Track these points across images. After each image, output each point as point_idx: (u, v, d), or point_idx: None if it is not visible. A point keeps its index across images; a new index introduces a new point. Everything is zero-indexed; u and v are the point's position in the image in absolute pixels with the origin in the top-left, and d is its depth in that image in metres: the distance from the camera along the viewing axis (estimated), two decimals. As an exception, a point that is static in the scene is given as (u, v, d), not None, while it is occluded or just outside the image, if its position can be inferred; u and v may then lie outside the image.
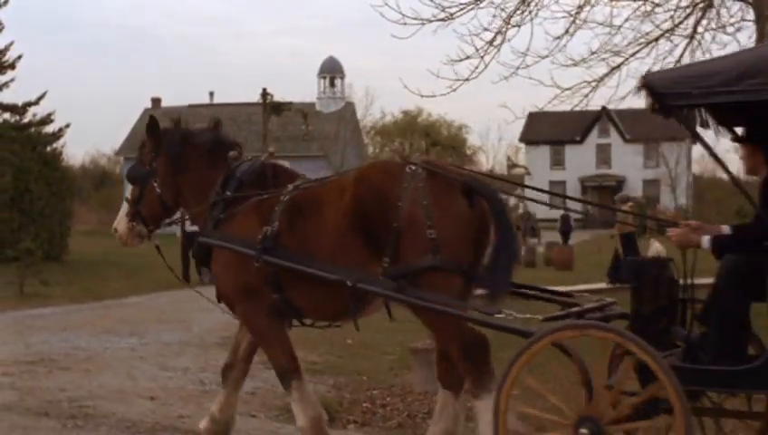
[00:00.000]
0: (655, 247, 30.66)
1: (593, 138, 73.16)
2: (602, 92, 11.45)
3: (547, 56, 10.65)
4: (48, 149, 27.73)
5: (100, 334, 12.84)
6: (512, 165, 61.85)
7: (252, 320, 6.09)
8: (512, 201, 35.92)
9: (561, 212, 38.26)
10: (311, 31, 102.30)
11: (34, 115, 29.76)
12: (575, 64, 10.66)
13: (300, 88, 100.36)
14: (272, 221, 5.83)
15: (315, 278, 5.62)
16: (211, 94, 57.36)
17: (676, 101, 4.81)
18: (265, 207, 5.95)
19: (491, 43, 10.22)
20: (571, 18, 11.09)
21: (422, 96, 10.42)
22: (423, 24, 10.31)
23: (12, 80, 29.18)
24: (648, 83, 4.83)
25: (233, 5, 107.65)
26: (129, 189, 6.73)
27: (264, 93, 29.18)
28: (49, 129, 29.83)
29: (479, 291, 5.56)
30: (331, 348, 11.80)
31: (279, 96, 36.91)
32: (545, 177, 68.88)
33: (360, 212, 5.52)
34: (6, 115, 29.30)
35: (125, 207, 6.65)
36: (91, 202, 55.79)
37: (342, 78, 54.03)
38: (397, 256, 5.42)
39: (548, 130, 73.57)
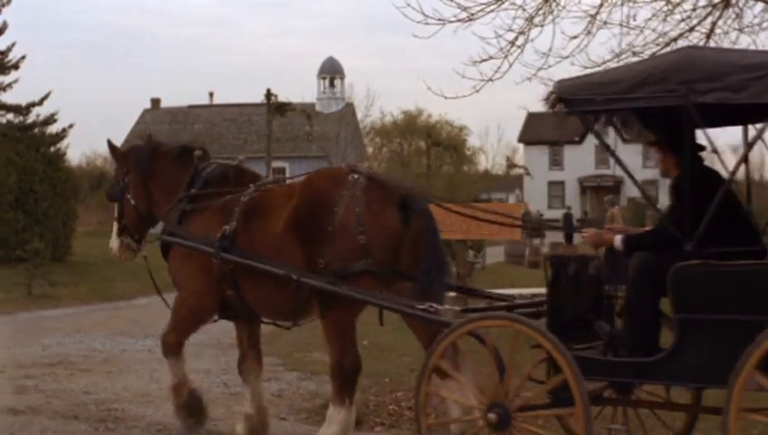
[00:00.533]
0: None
1: (592, 138, 72.96)
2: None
3: (568, 57, 10.58)
4: (52, 149, 27.63)
5: (115, 336, 12.80)
6: (511, 165, 61.77)
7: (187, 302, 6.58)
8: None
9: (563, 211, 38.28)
10: (309, 32, 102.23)
11: (38, 116, 29.69)
12: (598, 66, 10.59)
13: (299, 89, 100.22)
14: (231, 221, 6.27)
15: (266, 275, 6.05)
16: (210, 95, 57.33)
17: (581, 107, 5.15)
18: (227, 208, 6.38)
19: (513, 43, 10.14)
20: (592, 18, 11.02)
21: (445, 97, 10.36)
22: (444, 24, 10.25)
23: (16, 80, 29.12)
24: (558, 90, 5.20)
25: (231, 6, 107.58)
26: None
27: (268, 94, 29.06)
28: (52, 129, 29.74)
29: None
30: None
31: (279, 97, 36.91)
32: (544, 177, 68.98)
33: (301, 215, 5.98)
34: (10, 116, 29.20)
35: (115, 227, 7.20)
36: (88, 203, 55.66)
37: (342, 78, 53.94)
38: (331, 259, 5.84)
39: (547, 131, 73.54)
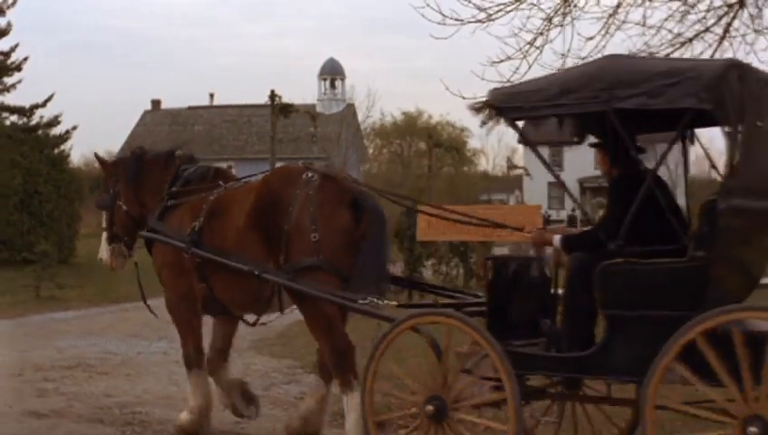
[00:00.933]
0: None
1: (592, 139, 73.13)
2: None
3: (585, 58, 10.52)
4: (55, 151, 27.57)
5: (128, 338, 12.73)
6: (511, 166, 61.77)
7: (174, 307, 7.00)
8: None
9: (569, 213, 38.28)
10: (308, 33, 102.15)
11: (42, 117, 29.62)
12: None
13: (299, 90, 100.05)
14: (199, 217, 6.68)
15: (230, 270, 6.39)
16: (211, 96, 57.22)
17: (511, 114, 5.49)
18: (198, 205, 6.79)
19: (531, 43, 10.10)
20: (609, 19, 10.97)
21: (464, 98, 10.28)
22: (462, 24, 10.20)
23: (19, 81, 29.05)
24: (490, 99, 5.55)
25: (229, 8, 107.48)
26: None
27: (273, 95, 29.06)
28: (55, 131, 29.68)
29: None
30: (363, 351, 11.72)
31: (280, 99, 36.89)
32: (544, 178, 68.76)
33: (259, 213, 6.32)
34: (14, 117, 29.13)
35: (104, 236, 7.55)
36: (88, 204, 55.63)
37: (343, 80, 53.94)
38: (288, 255, 6.16)
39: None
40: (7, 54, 28.95)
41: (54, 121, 29.53)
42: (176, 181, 7.16)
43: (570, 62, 10.56)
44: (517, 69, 10.24)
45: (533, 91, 5.46)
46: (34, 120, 29.71)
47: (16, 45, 29.13)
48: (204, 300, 6.83)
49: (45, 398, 8.38)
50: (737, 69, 4.99)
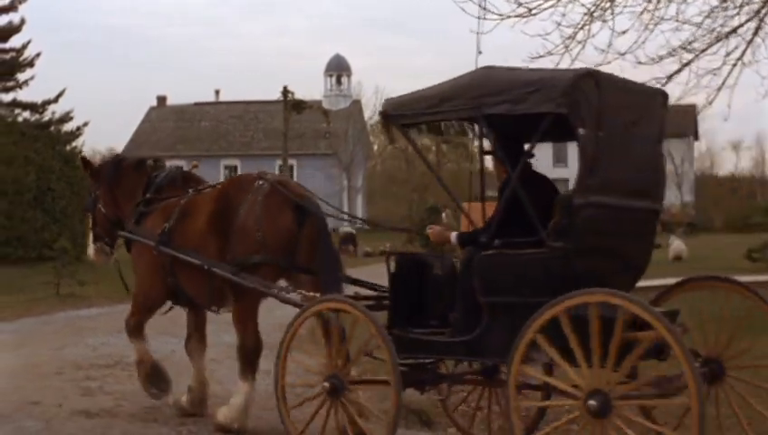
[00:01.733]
0: (676, 245, 30.74)
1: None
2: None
3: (625, 53, 10.48)
4: (67, 147, 27.47)
5: (157, 336, 12.49)
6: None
7: (139, 294, 7.83)
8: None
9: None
10: (310, 31, 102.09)
11: (53, 114, 29.50)
12: (655, 62, 10.51)
13: (303, 87, 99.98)
14: (170, 220, 7.41)
15: (191, 265, 7.16)
16: (217, 93, 57.05)
17: (398, 121, 6.08)
18: (168, 209, 7.54)
19: (572, 37, 10.05)
20: (641, 15, 10.91)
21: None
22: (502, 18, 10.15)
23: (32, 78, 28.93)
24: (384, 107, 6.22)
25: (230, 7, 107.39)
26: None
27: (285, 91, 29.00)
28: (66, 127, 29.56)
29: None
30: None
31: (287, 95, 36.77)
32: (548, 174, 68.56)
33: (215, 216, 7.12)
34: (26, 114, 29.04)
35: (90, 234, 8.30)
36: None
37: (349, 76, 53.86)
38: (235, 252, 6.93)
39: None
40: (19, 51, 28.83)
41: (66, 117, 29.42)
42: (149, 187, 7.88)
43: (610, 58, 10.54)
44: (558, 64, 10.21)
45: (418, 100, 6.03)
46: (46, 116, 29.58)
47: (28, 42, 29.07)
48: (174, 293, 7.59)
49: (92, 397, 8.29)
50: (593, 77, 5.47)
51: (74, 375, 9.35)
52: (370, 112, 52.74)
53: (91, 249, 8.31)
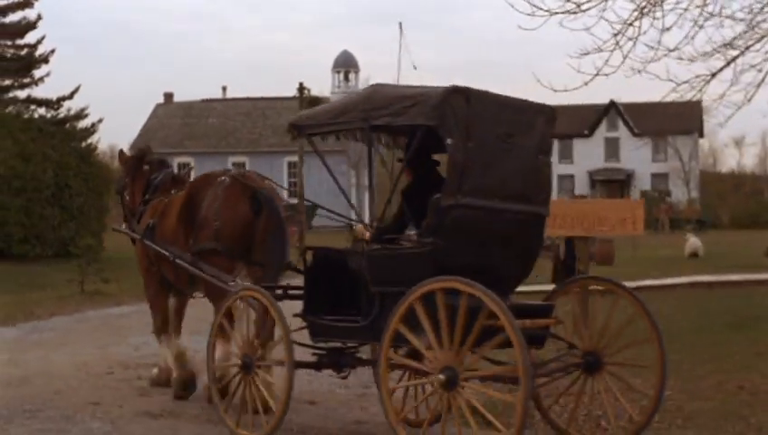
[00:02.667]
0: (692, 241, 30.67)
1: (602, 131, 73.00)
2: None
3: (674, 49, 10.39)
4: (83, 144, 27.36)
5: (192, 335, 12.51)
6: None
7: (146, 287, 8.85)
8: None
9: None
10: (305, 27, 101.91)
11: (69, 110, 29.38)
12: (702, 57, 10.41)
13: (310, 83, 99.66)
14: (155, 217, 8.42)
15: (165, 257, 8.10)
16: (224, 89, 56.90)
17: (304, 131, 6.88)
18: (156, 207, 8.54)
19: (621, 33, 9.95)
20: (685, 12, 10.80)
21: (555, 90, 10.18)
22: (550, 15, 10.06)
23: (47, 74, 28.80)
24: (293, 120, 7.08)
25: (227, 2, 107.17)
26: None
27: (301, 88, 28.84)
28: (81, 123, 29.44)
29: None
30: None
31: (289, 91, 36.83)
32: (553, 171, 68.33)
33: (184, 210, 7.99)
34: (41, 110, 28.91)
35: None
36: (116, 198, 55.46)
37: (357, 72, 53.74)
38: (195, 241, 7.79)
39: (556, 124, 73.36)
40: (33, 47, 28.69)
41: (82, 114, 29.31)
42: (148, 189, 8.87)
43: (659, 55, 10.45)
44: (607, 61, 10.13)
45: (321, 113, 6.95)
46: (61, 113, 29.47)
47: (43, 37, 28.93)
48: (160, 281, 8.50)
49: (149, 397, 8.22)
50: (462, 93, 6.06)
51: (125, 375, 9.28)
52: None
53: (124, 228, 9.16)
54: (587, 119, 71.84)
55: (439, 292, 5.70)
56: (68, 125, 28.27)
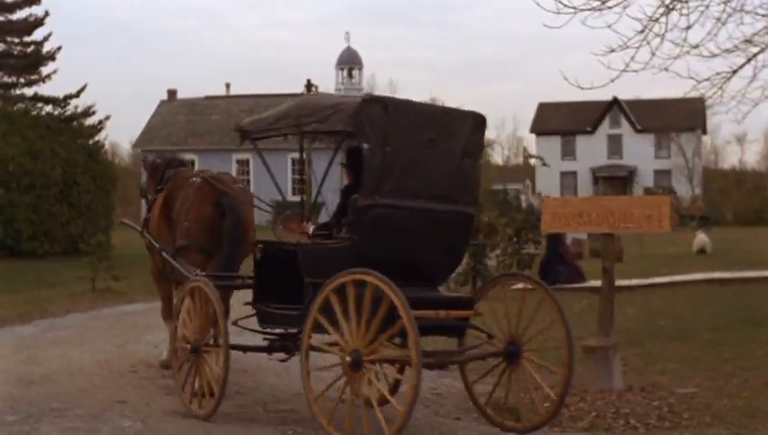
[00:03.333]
0: (700, 238, 30.61)
1: (604, 128, 72.95)
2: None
3: (697, 46, 10.36)
4: (90, 141, 27.31)
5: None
6: (528, 156, 61.59)
7: (153, 275, 9.85)
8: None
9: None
10: (303, 24, 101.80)
11: (76, 107, 29.33)
12: (724, 54, 10.39)
13: (314, 80, 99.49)
14: (148, 212, 9.65)
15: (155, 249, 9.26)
16: (227, 86, 56.82)
17: (249, 136, 7.64)
18: (152, 203, 9.62)
19: (647, 29, 9.91)
20: (706, 9, 10.77)
21: (582, 88, 10.16)
22: (576, 12, 10.02)
23: (54, 71, 28.74)
24: (241, 125, 7.80)
25: (236, 3, 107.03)
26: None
27: (309, 85, 28.80)
28: (87, 121, 29.37)
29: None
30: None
31: (290, 88, 36.79)
32: (556, 167, 68.70)
33: (163, 207, 9.08)
34: (48, 107, 28.83)
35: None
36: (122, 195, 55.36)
37: (360, 69, 53.69)
38: (173, 237, 8.81)
39: (558, 121, 73.33)
40: (40, 44, 28.62)
41: (89, 111, 29.24)
42: (159, 183, 9.68)
43: (683, 51, 10.43)
44: (633, 57, 10.08)
45: (263, 119, 7.60)
46: (68, 110, 29.39)
47: (49, 35, 28.86)
48: (160, 270, 9.44)
49: (176, 396, 8.14)
50: (379, 102, 6.74)
51: (148, 373, 9.23)
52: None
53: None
54: (589, 115, 71.76)
55: (350, 283, 6.28)
56: (75, 122, 28.19)
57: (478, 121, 7.24)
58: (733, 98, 11.59)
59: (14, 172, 22.90)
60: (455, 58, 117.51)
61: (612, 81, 10.03)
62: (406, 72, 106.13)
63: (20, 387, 8.38)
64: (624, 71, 9.86)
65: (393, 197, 6.63)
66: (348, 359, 6.31)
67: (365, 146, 6.57)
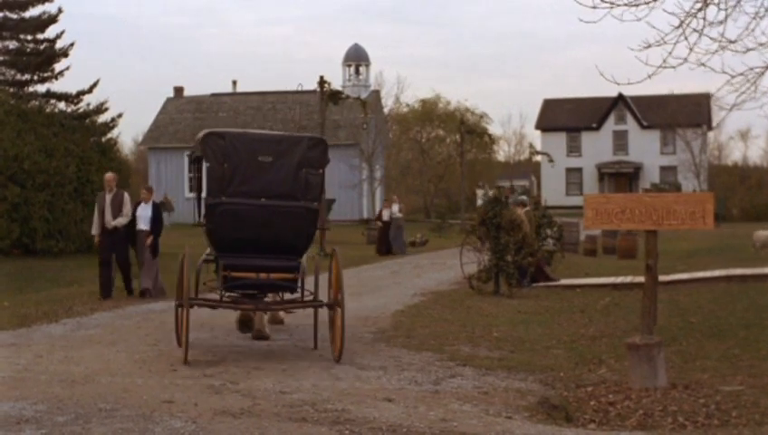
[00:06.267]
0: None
1: (610, 124, 72.87)
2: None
3: (735, 41, 10.27)
4: (103, 139, 27.20)
5: (237, 331, 12.36)
6: (534, 152, 61.48)
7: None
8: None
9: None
10: (301, 22, 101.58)
11: (88, 105, 29.21)
12: (761, 48, 10.30)
13: (316, 78, 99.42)
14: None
15: None
16: (234, 83, 56.69)
17: (199, 149, 10.29)
18: None
19: (685, 23, 9.83)
20: (736, 7, 10.67)
21: (618, 84, 10.09)
22: (612, 7, 9.95)
23: (67, 68, 28.63)
24: (203, 134, 10.43)
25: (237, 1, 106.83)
26: None
27: (322, 82, 28.67)
28: (100, 118, 29.26)
29: None
30: (495, 343, 11.49)
31: (295, 84, 36.56)
32: (562, 164, 68.62)
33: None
34: (61, 105, 28.75)
35: None
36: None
37: (368, 66, 53.55)
38: None
39: (564, 118, 73.26)
40: (53, 41, 28.52)
41: (102, 108, 29.14)
42: None
43: (713, 46, 10.35)
44: (670, 53, 10.01)
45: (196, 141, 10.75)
46: (81, 107, 29.28)
47: (62, 32, 28.76)
48: None
49: (222, 395, 8.07)
50: (218, 135, 10.16)
51: (190, 372, 9.13)
52: (393, 102, 52.58)
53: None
54: (595, 112, 71.72)
55: (188, 254, 9.87)
56: (88, 120, 28.08)
57: (314, 142, 10.22)
58: (765, 93, 11.48)
59: (29, 170, 22.77)
60: (455, 55, 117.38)
61: (650, 76, 9.95)
62: (412, 69, 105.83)
63: (64, 387, 8.30)
64: (661, 66, 9.77)
65: (235, 197, 9.84)
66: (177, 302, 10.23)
67: (207, 164, 10.09)
